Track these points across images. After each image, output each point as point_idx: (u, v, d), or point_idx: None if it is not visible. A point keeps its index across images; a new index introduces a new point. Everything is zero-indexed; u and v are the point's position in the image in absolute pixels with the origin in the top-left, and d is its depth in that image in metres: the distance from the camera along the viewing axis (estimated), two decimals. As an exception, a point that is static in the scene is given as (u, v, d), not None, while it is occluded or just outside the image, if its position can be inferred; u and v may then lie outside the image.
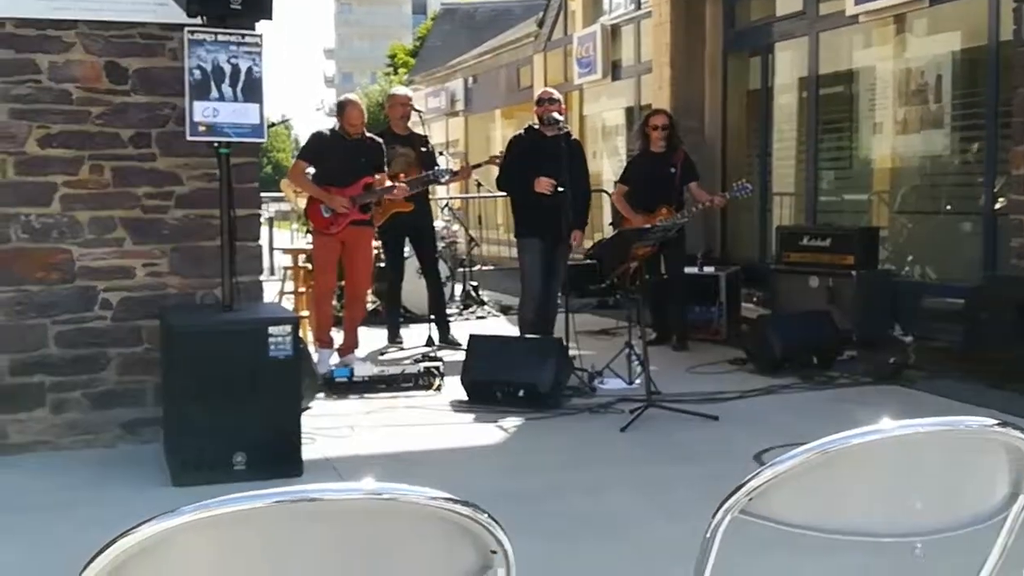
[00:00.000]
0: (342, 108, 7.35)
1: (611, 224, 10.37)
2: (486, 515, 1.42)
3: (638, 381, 6.35)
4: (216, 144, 5.02)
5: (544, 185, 6.98)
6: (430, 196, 9.07)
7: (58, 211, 5.21)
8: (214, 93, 4.98)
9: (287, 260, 9.21)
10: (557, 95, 7.49)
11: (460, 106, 22.40)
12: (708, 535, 1.63)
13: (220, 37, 4.99)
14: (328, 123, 8.00)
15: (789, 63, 10.83)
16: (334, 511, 1.39)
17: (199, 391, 4.54)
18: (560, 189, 6.87)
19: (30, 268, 5.16)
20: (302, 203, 7.98)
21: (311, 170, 7.34)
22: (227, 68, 5.01)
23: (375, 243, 8.03)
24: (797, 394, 6.42)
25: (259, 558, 1.38)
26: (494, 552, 1.45)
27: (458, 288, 10.56)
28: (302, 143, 8.77)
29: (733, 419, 5.72)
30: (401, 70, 36.13)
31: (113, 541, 1.29)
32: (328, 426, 5.59)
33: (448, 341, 8.29)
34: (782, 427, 5.45)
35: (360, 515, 1.40)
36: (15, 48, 5.13)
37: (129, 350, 5.31)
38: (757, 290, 9.57)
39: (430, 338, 8.30)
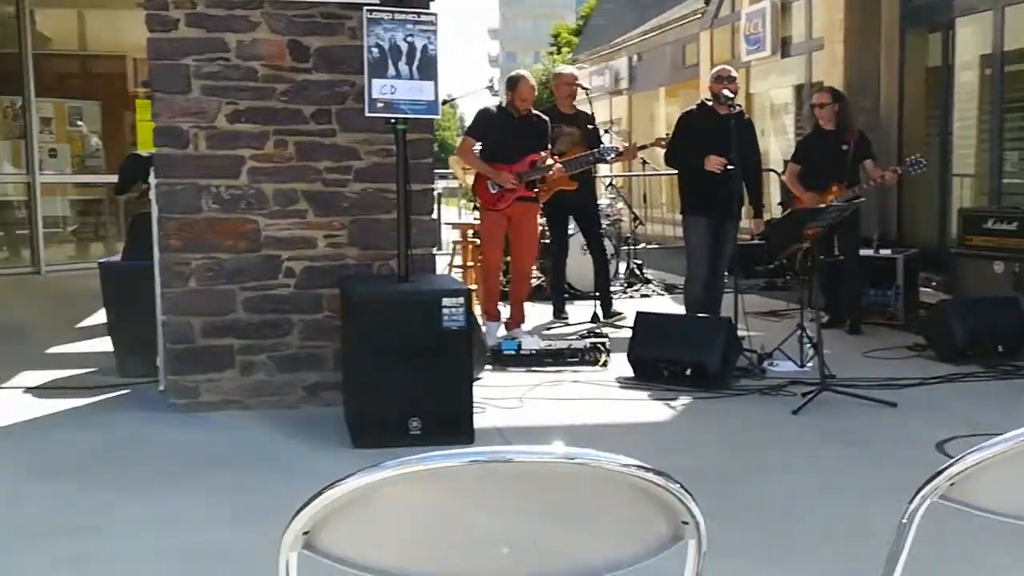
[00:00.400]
0: (514, 83, 7.37)
1: (779, 204, 10.13)
2: (678, 485, 1.41)
3: (810, 364, 6.19)
4: (393, 120, 5.13)
5: (715, 164, 6.87)
6: (593, 174, 9.06)
7: (246, 183, 5.43)
8: (391, 71, 5.08)
9: (455, 235, 9.38)
10: (735, 73, 7.33)
11: (624, 84, 22.26)
12: (904, 520, 1.59)
13: (397, 16, 5.09)
14: (491, 102, 8.06)
15: (972, 39, 10.29)
16: (527, 472, 1.40)
17: (376, 358, 4.69)
18: (730, 167, 6.76)
19: (220, 237, 5.41)
20: (469, 180, 8.09)
21: (478, 147, 7.43)
22: (404, 46, 5.11)
23: (540, 220, 8.08)
24: (981, 383, 6.11)
25: (454, 514, 1.42)
26: (685, 523, 1.45)
27: (622, 266, 10.53)
28: (467, 122, 8.88)
29: (912, 406, 5.50)
30: (564, 49, 36.06)
31: (321, 492, 1.35)
32: (497, 396, 5.67)
33: (612, 317, 8.28)
34: (965, 416, 5.24)
35: (551, 478, 1.41)
36: (206, 27, 5.35)
37: (311, 317, 5.51)
38: (936, 274, 9.18)
39: (595, 314, 8.30)
